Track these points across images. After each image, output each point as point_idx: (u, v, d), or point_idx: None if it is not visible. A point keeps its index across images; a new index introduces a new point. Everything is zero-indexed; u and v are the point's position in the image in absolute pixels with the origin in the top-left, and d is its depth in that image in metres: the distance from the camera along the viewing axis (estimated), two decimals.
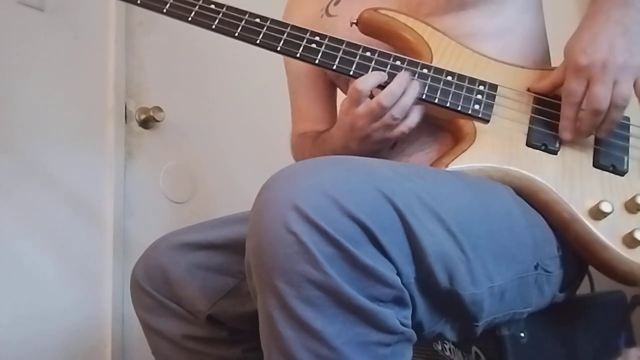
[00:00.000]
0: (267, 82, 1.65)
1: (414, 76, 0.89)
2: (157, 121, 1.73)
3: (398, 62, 0.90)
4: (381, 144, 0.91)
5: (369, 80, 0.87)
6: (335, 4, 1.07)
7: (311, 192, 0.64)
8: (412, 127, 0.88)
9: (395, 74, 0.88)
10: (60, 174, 1.52)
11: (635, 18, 0.84)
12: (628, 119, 0.90)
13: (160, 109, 1.72)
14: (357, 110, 0.87)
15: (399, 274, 0.67)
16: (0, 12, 1.48)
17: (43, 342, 1.42)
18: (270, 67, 1.31)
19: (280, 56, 1.16)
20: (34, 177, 1.48)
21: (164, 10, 0.97)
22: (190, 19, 0.96)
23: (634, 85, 0.83)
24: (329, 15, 1.06)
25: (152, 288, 1.01)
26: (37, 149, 1.49)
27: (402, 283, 0.67)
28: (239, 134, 1.93)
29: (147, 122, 1.74)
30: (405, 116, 0.88)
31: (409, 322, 0.69)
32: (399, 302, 0.67)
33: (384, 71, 0.89)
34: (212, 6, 0.96)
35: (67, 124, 1.56)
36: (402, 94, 0.87)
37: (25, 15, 1.52)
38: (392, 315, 0.66)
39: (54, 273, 1.47)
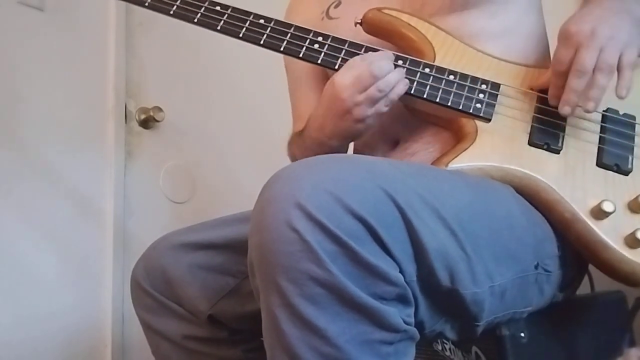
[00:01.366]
0: (267, 82, 1.65)
1: (416, 75, 0.90)
2: (157, 121, 1.73)
3: (400, 62, 0.90)
4: (358, 125, 0.88)
5: (376, 54, 0.88)
6: (336, 6, 1.07)
7: (314, 190, 0.64)
8: (394, 100, 0.87)
9: None
10: (60, 174, 1.52)
11: (624, 8, 0.86)
12: (634, 117, 0.90)
13: (160, 109, 1.72)
14: (344, 81, 0.86)
15: (401, 272, 0.67)
16: (0, 12, 1.48)
17: (43, 342, 1.42)
18: (270, 67, 1.31)
19: (280, 57, 1.17)
20: (34, 177, 1.48)
21: (171, 12, 0.99)
22: (196, 20, 0.98)
23: (620, 58, 0.83)
24: (329, 17, 1.06)
25: (152, 288, 1.01)
26: (37, 149, 1.49)
27: (405, 281, 0.67)
28: (239, 134, 1.93)
29: (147, 122, 1.74)
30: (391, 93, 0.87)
31: (412, 320, 0.69)
32: (402, 300, 0.67)
33: None
34: (218, 8, 0.98)
35: (67, 124, 1.56)
36: (391, 71, 0.87)
37: (25, 15, 1.52)
38: (396, 314, 0.66)
39: (54, 273, 1.47)
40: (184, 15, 0.99)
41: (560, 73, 0.85)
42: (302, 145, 0.99)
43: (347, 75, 0.86)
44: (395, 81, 0.87)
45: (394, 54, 0.91)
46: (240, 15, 0.97)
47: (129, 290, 1.06)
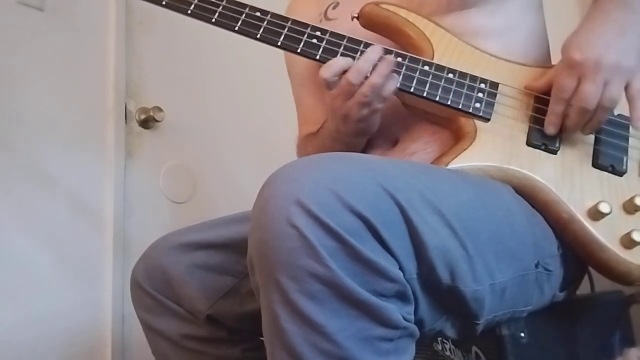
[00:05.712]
0: (267, 82, 1.65)
1: (416, 73, 0.89)
2: (157, 121, 1.72)
3: (399, 59, 0.90)
4: (362, 122, 0.90)
5: (333, 67, 0.87)
6: (334, 7, 1.07)
7: (313, 186, 0.64)
8: (386, 97, 0.88)
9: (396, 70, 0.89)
10: (60, 174, 1.52)
11: (635, 21, 0.85)
12: (628, 119, 0.90)
13: (160, 109, 1.72)
14: (331, 92, 0.89)
15: (401, 269, 0.67)
16: (0, 12, 1.48)
17: (43, 343, 1.42)
18: (270, 67, 1.31)
19: (280, 57, 1.16)
20: (34, 177, 1.48)
21: (163, 3, 0.97)
22: (189, 11, 0.95)
23: (625, 89, 0.83)
24: (327, 19, 1.07)
25: (152, 288, 1.01)
26: (37, 149, 1.49)
27: (405, 278, 0.67)
28: (239, 134, 1.93)
29: (147, 122, 1.74)
30: (379, 93, 0.87)
31: (412, 317, 0.69)
32: (401, 297, 0.67)
33: None
34: None
35: (67, 124, 1.56)
36: (371, 72, 0.86)
37: (25, 15, 1.52)
38: (395, 310, 0.66)
39: (53, 273, 1.47)
40: (177, 6, 0.96)
41: (561, 100, 0.85)
42: (320, 144, 1.00)
43: (328, 89, 0.89)
44: (380, 80, 0.86)
45: (386, 48, 0.90)
46: (236, 7, 0.95)
47: (129, 291, 1.06)
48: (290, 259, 0.62)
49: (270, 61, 1.26)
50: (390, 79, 0.88)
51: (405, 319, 0.67)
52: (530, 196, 0.86)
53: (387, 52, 0.90)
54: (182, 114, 1.82)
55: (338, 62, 0.88)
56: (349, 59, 0.88)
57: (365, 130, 0.93)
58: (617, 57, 0.82)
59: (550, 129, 0.87)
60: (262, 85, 1.88)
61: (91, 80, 1.63)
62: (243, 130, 1.94)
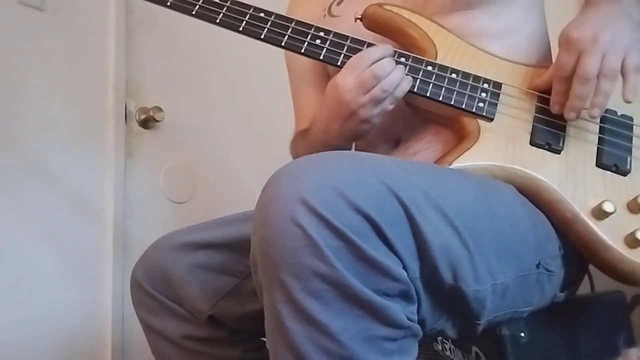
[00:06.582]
0: (268, 81, 1.66)
1: (419, 73, 0.90)
2: (157, 121, 1.72)
3: (402, 59, 0.90)
4: (364, 125, 0.88)
5: (366, 57, 0.87)
6: (338, 4, 1.07)
7: (318, 185, 0.64)
8: (399, 97, 0.88)
9: None
10: (60, 174, 1.52)
11: (625, 12, 0.87)
12: (631, 118, 0.90)
13: (160, 109, 1.72)
14: (347, 83, 0.86)
15: (405, 268, 0.67)
16: (0, 12, 1.47)
17: (43, 342, 1.42)
18: (270, 66, 1.31)
19: (281, 56, 1.16)
20: (34, 177, 1.48)
21: (168, 4, 0.97)
22: (194, 12, 0.95)
23: (623, 62, 0.84)
24: (331, 15, 1.06)
25: (152, 288, 1.01)
26: (37, 149, 1.49)
27: (409, 278, 0.67)
28: (239, 134, 1.93)
29: (147, 122, 1.74)
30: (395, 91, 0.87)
31: (415, 317, 0.69)
32: (405, 296, 0.67)
33: None
34: (217, 0, 0.95)
35: (67, 124, 1.56)
36: (393, 70, 0.87)
37: (25, 15, 1.52)
38: (399, 310, 0.66)
39: (53, 273, 1.47)
40: (182, 7, 0.96)
41: (562, 79, 0.85)
42: (307, 145, 0.98)
43: (349, 77, 0.86)
44: (399, 79, 0.87)
45: (395, 50, 0.90)
46: (240, 8, 0.95)
47: (129, 290, 1.06)
48: (295, 258, 0.62)
49: (270, 61, 1.26)
50: (405, 79, 0.88)
51: (408, 319, 0.67)
52: (533, 196, 0.86)
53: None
54: (182, 114, 1.82)
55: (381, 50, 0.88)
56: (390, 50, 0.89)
57: (361, 133, 0.90)
58: (612, 35, 0.83)
59: (555, 108, 0.87)
60: (262, 85, 1.89)
61: (91, 80, 1.63)
62: (243, 130, 1.94)
